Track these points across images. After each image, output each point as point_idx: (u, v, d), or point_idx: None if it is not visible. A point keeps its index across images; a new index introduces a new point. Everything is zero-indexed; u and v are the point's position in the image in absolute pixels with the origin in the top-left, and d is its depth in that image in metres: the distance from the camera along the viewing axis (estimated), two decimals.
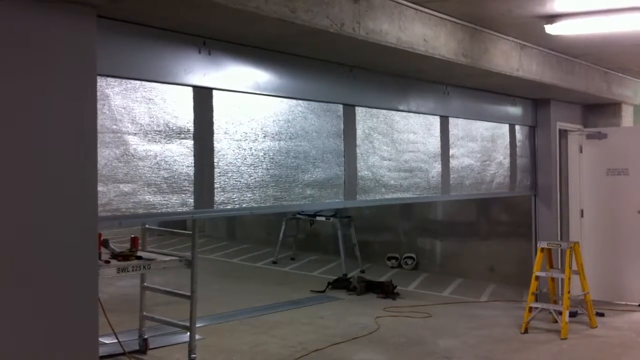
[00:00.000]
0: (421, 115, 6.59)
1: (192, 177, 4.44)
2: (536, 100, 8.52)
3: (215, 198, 4.62)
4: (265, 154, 4.99)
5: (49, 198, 3.28)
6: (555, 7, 5.24)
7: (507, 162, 8.00)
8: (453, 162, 7.02)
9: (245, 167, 4.83)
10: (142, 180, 4.12)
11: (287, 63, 5.11)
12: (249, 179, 4.86)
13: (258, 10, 3.81)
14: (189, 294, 5.94)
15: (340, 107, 5.69)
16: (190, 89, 4.43)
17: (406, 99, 6.38)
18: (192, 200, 4.45)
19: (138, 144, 4.11)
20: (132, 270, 5.56)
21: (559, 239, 8.59)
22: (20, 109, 3.20)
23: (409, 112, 6.42)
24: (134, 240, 6.07)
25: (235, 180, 4.76)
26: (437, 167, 6.78)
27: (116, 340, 5.93)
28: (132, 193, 4.07)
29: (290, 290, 9.62)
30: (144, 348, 6.38)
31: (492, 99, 7.70)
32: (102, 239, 5.39)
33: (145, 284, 6.57)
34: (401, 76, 6.23)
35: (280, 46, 4.89)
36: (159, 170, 4.23)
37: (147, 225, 6.67)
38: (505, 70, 6.31)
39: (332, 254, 11.83)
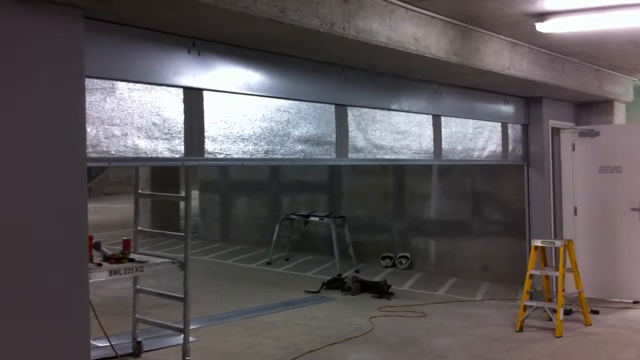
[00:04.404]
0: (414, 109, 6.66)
1: (182, 124, 4.43)
2: (528, 99, 8.53)
3: (206, 147, 4.62)
4: (256, 106, 4.99)
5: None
6: (546, 5, 5.24)
7: (499, 129, 8.06)
8: (445, 128, 7.07)
9: (237, 118, 4.83)
10: (132, 124, 4.10)
11: (278, 63, 5.09)
12: (240, 130, 4.86)
13: (247, 10, 3.79)
14: (182, 296, 5.92)
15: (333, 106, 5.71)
16: (181, 90, 4.42)
17: (398, 99, 6.39)
18: (182, 148, 4.44)
19: (128, 88, 4.09)
20: (125, 273, 5.53)
21: (552, 236, 8.60)
22: (5, 110, 3.17)
23: (401, 111, 6.43)
24: (126, 243, 6.04)
25: (226, 130, 4.75)
26: (429, 131, 6.82)
27: (109, 344, 5.90)
28: (122, 136, 4.05)
29: (284, 291, 9.60)
30: (137, 351, 6.35)
31: (484, 97, 7.71)
32: (93, 241, 5.36)
33: (138, 286, 6.53)
34: (393, 76, 6.23)
35: (270, 46, 4.87)
36: (150, 116, 4.22)
37: (139, 228, 6.64)
38: (497, 68, 6.31)
39: (326, 254, 11.80)
